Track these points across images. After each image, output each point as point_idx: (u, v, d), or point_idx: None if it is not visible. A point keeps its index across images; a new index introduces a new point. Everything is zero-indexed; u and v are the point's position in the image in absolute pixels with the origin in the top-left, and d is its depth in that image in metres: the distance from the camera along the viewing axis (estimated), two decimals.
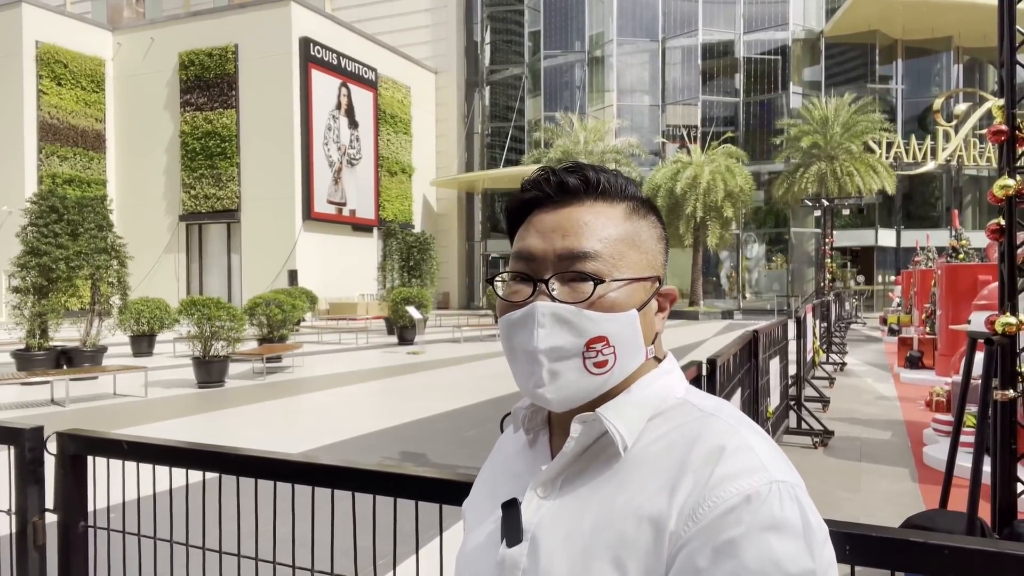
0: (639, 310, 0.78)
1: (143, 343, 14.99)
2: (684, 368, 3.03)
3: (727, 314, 30.28)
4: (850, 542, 1.03)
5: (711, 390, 3.30)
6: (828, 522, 1.06)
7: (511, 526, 0.77)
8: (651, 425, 0.77)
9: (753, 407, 4.94)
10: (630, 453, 0.75)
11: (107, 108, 31.66)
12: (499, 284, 0.83)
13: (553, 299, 0.76)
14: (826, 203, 28.61)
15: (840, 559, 1.05)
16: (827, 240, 29.52)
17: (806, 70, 35.14)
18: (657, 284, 0.81)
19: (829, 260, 29.72)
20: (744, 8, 34.31)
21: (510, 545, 0.77)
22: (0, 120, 28.78)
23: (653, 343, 0.81)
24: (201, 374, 10.65)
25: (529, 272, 0.78)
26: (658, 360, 0.83)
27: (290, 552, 1.53)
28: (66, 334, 13.30)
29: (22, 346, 11.88)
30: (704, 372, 3.27)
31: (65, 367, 11.41)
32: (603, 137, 31.77)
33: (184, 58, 30.08)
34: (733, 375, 4.13)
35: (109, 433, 1.76)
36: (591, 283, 0.75)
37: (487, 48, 39.19)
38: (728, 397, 3.94)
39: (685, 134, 33.77)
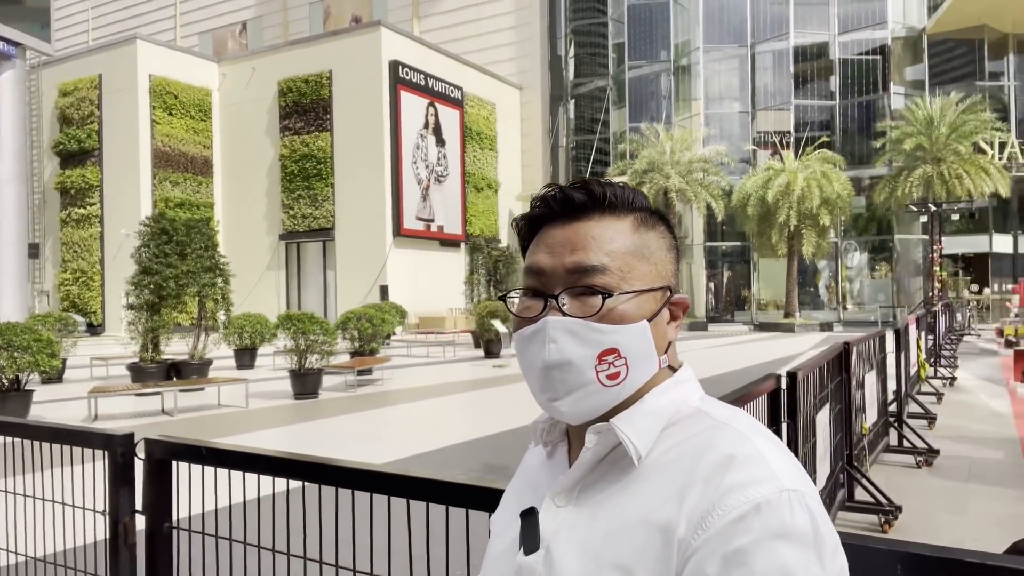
0: (650, 320, 0.79)
1: (245, 356, 15.79)
2: (762, 381, 2.94)
3: (826, 326, 29.01)
4: (902, 561, 0.98)
5: (791, 404, 3.19)
6: (881, 540, 1.01)
7: (529, 535, 0.79)
8: (665, 435, 0.77)
9: (845, 423, 4.71)
10: (644, 463, 0.76)
11: (214, 135, 33.69)
12: (513, 300, 0.85)
13: (564, 314, 0.77)
14: (933, 208, 27.00)
15: None
16: (935, 247, 27.84)
17: (908, 69, 33.34)
18: (668, 294, 0.82)
19: (938, 268, 28.02)
20: (839, 8, 32.89)
21: (527, 553, 0.78)
22: (120, 149, 31.15)
23: (666, 352, 0.82)
24: (297, 386, 11.10)
25: (540, 287, 0.80)
26: (673, 369, 0.83)
27: (367, 560, 1.57)
28: (176, 348, 14.17)
29: (136, 359, 12.73)
30: (783, 385, 3.16)
31: (175, 379, 12.15)
32: (690, 146, 31.18)
33: (283, 85, 31.60)
34: (820, 389, 3.97)
35: (190, 440, 1.87)
36: (600, 297, 0.76)
37: (571, 62, 39.29)
38: (815, 412, 3.78)
39: (777, 140, 32.69)
